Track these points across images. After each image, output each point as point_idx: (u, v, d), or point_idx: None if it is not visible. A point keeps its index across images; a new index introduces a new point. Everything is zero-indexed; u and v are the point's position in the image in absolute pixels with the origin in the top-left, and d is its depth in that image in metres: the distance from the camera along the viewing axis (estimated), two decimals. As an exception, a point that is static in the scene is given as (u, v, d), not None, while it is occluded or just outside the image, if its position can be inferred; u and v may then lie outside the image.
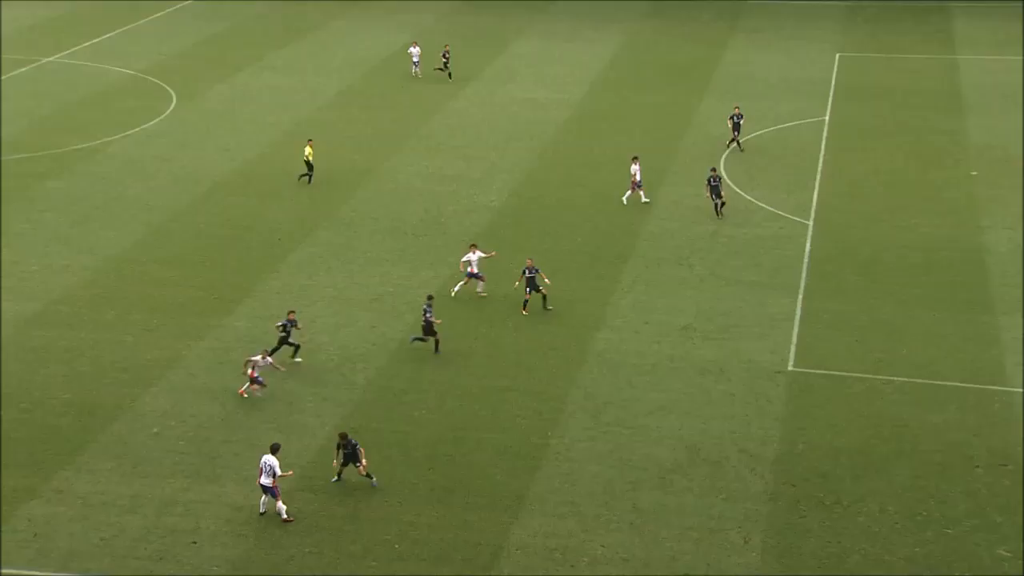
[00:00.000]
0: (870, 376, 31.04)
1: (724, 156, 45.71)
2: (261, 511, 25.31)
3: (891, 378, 30.83)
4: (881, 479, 26.82)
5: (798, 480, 26.95)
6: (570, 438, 28.56)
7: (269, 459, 24.99)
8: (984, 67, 56.39)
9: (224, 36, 62.67)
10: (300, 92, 53.76)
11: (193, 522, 25.21)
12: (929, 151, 45.18)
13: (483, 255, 34.61)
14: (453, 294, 34.61)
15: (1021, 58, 57.15)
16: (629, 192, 41.29)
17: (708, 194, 40.08)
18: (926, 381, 30.33)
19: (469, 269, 34.40)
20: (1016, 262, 36.61)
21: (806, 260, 37.68)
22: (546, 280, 34.20)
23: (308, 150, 42.42)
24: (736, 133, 45.80)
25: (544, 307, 34.04)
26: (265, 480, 24.91)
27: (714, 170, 40.47)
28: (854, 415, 29.43)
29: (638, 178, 40.84)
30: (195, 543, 24.62)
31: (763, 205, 41.02)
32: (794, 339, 33.01)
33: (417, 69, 55.53)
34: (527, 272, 33.62)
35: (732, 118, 46.04)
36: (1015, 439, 27.80)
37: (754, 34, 63.67)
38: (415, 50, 55.73)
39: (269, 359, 29.69)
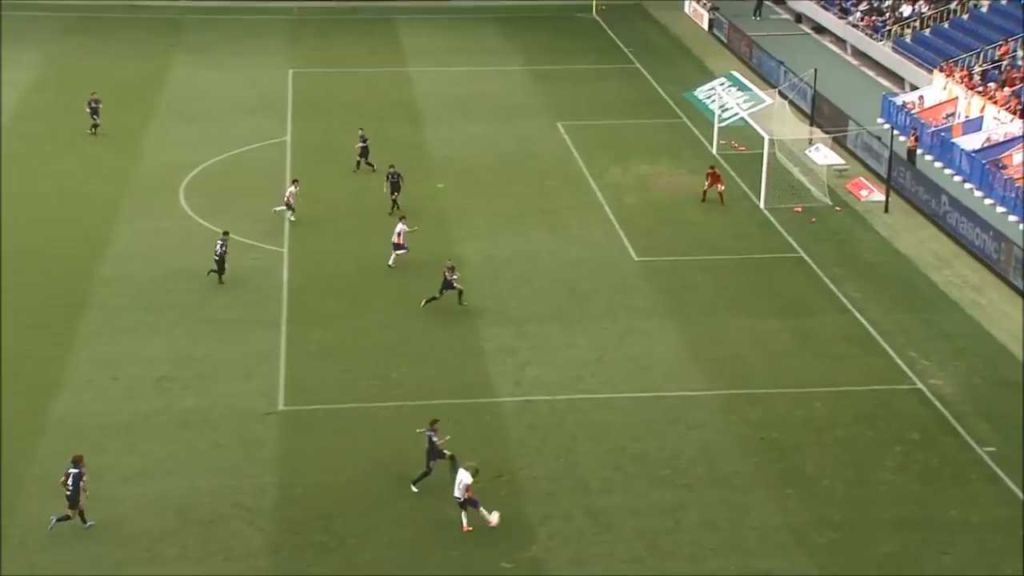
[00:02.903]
0: (364, 405, 31.81)
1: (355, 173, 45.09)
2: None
3: (385, 404, 31.85)
4: (384, 511, 27.57)
5: (300, 527, 26.97)
6: (28, 522, 26.38)
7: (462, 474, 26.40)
8: (432, 78, 60.77)
9: None
10: None
11: None
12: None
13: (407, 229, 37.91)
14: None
15: (464, 69, 62.59)
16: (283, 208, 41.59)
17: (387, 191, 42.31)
18: (421, 402, 31.75)
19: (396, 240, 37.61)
20: (489, 270, 39.66)
21: (285, 290, 38.02)
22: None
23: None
24: (363, 158, 46.89)
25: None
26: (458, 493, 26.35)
27: (392, 166, 42.84)
28: (352, 448, 30.01)
29: (293, 202, 41.55)
30: None
31: (235, 236, 40.95)
32: (282, 376, 33.02)
33: None
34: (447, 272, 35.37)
35: (361, 137, 46.97)
36: (505, 449, 29.99)
37: (200, 52, 63.69)
38: None
39: None
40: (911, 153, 48.66)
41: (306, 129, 52.93)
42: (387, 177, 43.40)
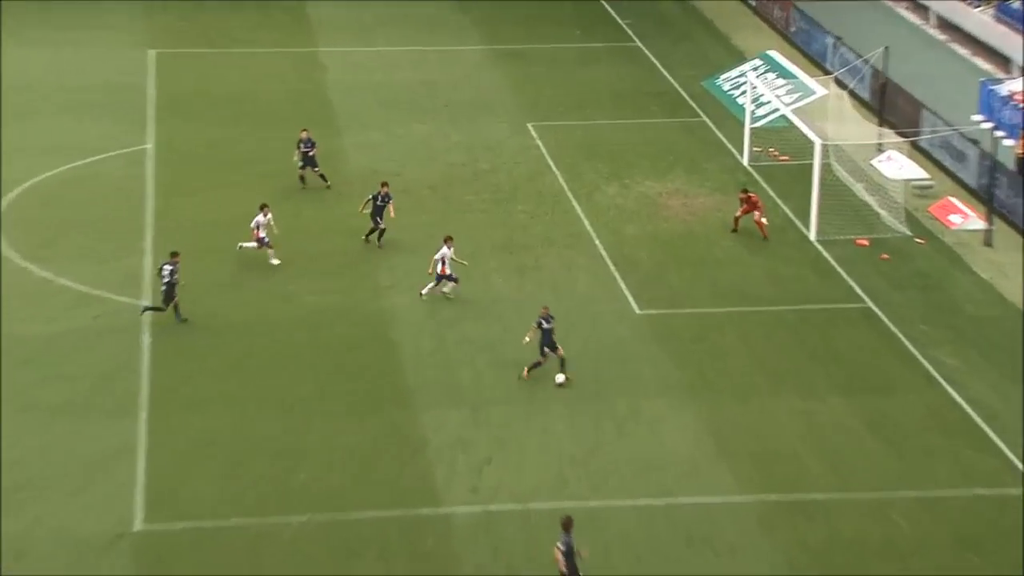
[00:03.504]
0: (255, 521, 31.31)
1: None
2: None
3: (284, 519, 31.42)
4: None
5: None
6: None
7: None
8: (352, 62, 61.11)
9: None
10: None
11: None
12: (275, 188, 47.37)
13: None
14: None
15: (398, 50, 62.81)
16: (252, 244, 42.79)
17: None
18: (335, 516, 31.35)
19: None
20: (432, 331, 39.42)
21: (146, 361, 37.67)
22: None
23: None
24: (306, 166, 48.13)
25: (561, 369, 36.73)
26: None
27: (384, 184, 44.38)
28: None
29: (262, 233, 42.86)
30: None
31: (71, 283, 40.50)
32: (139, 483, 32.55)
33: None
34: (543, 321, 36.79)
35: (299, 144, 48.06)
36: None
37: (23, 25, 63.77)
38: None
39: None
40: (1021, 163, 48.85)
41: (175, 133, 52.86)
42: (373, 200, 44.10)
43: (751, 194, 45.88)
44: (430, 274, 40.92)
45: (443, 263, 40.79)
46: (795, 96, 52.05)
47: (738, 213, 45.63)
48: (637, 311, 40.92)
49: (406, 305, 40.93)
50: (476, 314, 40.72)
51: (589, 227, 46.26)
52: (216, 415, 35.45)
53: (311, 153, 48.21)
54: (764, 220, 45.43)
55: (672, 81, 59.42)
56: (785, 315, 40.88)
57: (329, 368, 37.61)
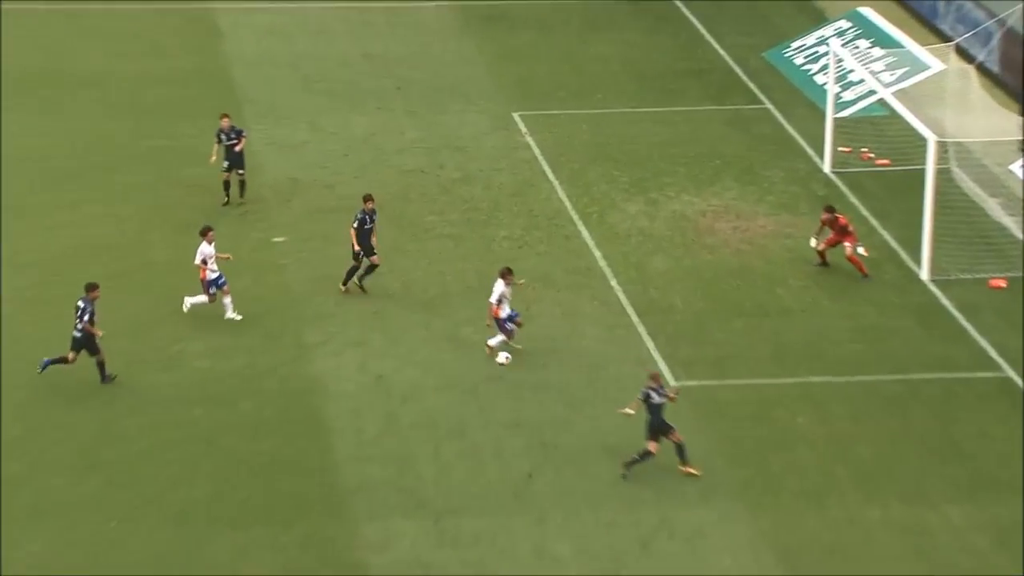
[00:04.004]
0: None
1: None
2: None
3: None
4: None
5: None
6: None
7: None
8: (262, 26, 62.12)
9: None
10: None
11: None
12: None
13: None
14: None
15: (329, 6, 62.76)
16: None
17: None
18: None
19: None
20: (380, 407, 39.52)
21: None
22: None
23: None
24: (231, 168, 49.23)
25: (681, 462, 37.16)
26: None
27: (368, 199, 44.99)
28: None
29: (213, 272, 43.20)
30: None
31: None
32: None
33: None
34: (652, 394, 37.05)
35: (219, 135, 49.17)
36: None
37: None
38: None
39: None
40: None
41: (9, 131, 53.24)
42: (358, 221, 44.59)
43: (839, 215, 46.01)
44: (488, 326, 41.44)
45: (499, 302, 41.28)
46: (899, 73, 51.93)
47: (819, 243, 45.73)
48: (672, 381, 40.96)
49: (342, 370, 40.97)
50: (441, 383, 40.76)
51: (601, 260, 46.52)
52: (68, 529, 35.38)
53: (237, 148, 48.60)
54: (862, 251, 45.56)
55: (721, 52, 59.57)
56: (883, 387, 40.89)
57: (231, 461, 37.49)
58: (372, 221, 44.70)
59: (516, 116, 54.73)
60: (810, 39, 58.47)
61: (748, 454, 38.36)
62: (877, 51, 54.63)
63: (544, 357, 41.49)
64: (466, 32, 61.18)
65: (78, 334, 39.92)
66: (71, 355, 40.12)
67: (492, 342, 41.62)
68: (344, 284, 44.41)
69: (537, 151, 52.53)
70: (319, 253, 44.65)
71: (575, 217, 48.81)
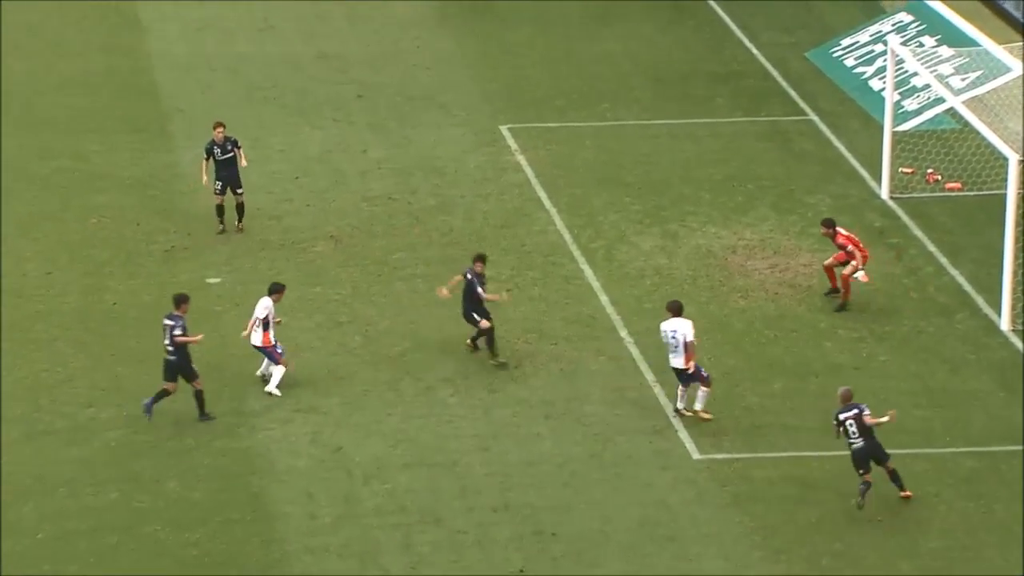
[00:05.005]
0: None
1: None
2: None
3: None
4: None
5: None
6: None
7: None
8: (195, 19, 62.67)
9: None
10: None
11: None
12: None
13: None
14: None
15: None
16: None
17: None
18: None
19: None
20: (341, 488, 39.47)
21: None
22: None
23: None
24: (225, 189, 50.23)
25: None
26: None
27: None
28: None
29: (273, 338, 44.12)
30: None
31: None
32: None
33: None
34: None
35: (211, 148, 50.14)
36: None
37: None
38: None
39: None
40: None
41: None
42: (468, 281, 44.77)
43: (839, 230, 46.36)
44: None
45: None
46: (972, 77, 52.27)
47: (828, 260, 46.23)
48: (695, 455, 41.09)
49: (292, 443, 41.11)
50: (412, 458, 40.90)
51: (609, 307, 46.80)
52: None
53: (243, 162, 49.07)
54: (861, 275, 45.93)
55: (754, 51, 59.83)
56: (955, 462, 41.00)
57: (153, 555, 37.46)
58: (480, 280, 44.53)
59: (505, 130, 54.99)
60: (863, 36, 58.97)
61: (790, 545, 38.37)
62: (945, 50, 54.95)
63: (538, 425, 41.47)
64: (444, 27, 61.52)
65: (171, 357, 40.73)
66: (169, 385, 41.02)
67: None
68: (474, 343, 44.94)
69: (530, 173, 52.77)
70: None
71: (577, 254, 49.07)
